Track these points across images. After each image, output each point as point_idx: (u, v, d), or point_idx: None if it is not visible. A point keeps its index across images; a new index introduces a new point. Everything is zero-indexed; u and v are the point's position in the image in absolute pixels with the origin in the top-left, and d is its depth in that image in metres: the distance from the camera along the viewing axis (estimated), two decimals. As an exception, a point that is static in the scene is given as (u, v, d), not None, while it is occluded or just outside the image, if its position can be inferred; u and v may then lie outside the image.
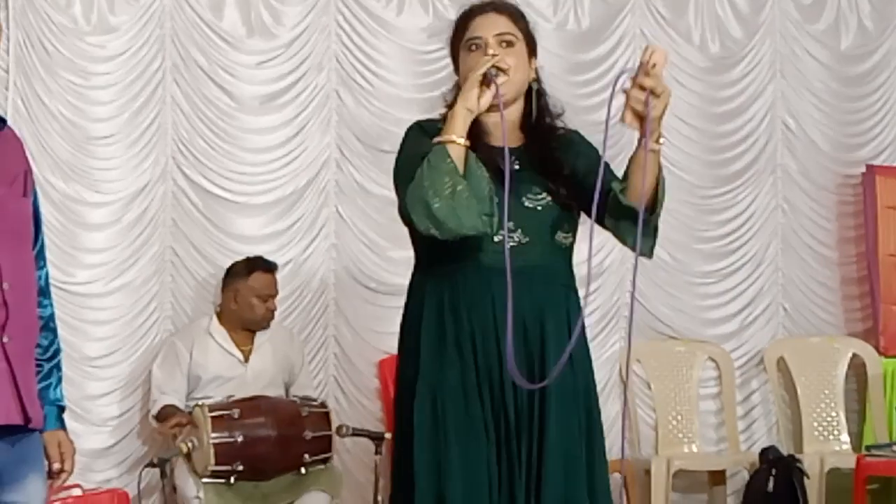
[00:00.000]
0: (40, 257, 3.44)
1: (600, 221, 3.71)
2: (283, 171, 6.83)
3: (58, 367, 3.48)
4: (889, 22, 7.63)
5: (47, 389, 3.40)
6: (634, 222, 3.56)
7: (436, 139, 3.66)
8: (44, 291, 3.42)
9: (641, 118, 3.49)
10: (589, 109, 6.87)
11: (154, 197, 6.61)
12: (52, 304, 3.46)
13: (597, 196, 3.48)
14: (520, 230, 3.75)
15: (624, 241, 3.77)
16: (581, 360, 3.80)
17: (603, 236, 6.76)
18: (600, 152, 3.65)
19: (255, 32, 6.76)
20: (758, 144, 7.48)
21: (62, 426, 3.47)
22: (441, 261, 3.79)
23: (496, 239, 3.70)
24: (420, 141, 3.80)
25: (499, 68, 3.68)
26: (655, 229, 3.80)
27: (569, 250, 3.86)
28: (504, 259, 3.62)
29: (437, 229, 3.59)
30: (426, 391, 3.78)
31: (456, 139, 3.61)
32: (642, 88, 3.44)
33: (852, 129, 7.62)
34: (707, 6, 7.40)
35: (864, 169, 7.51)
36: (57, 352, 3.48)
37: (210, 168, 6.71)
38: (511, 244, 3.70)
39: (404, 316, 3.97)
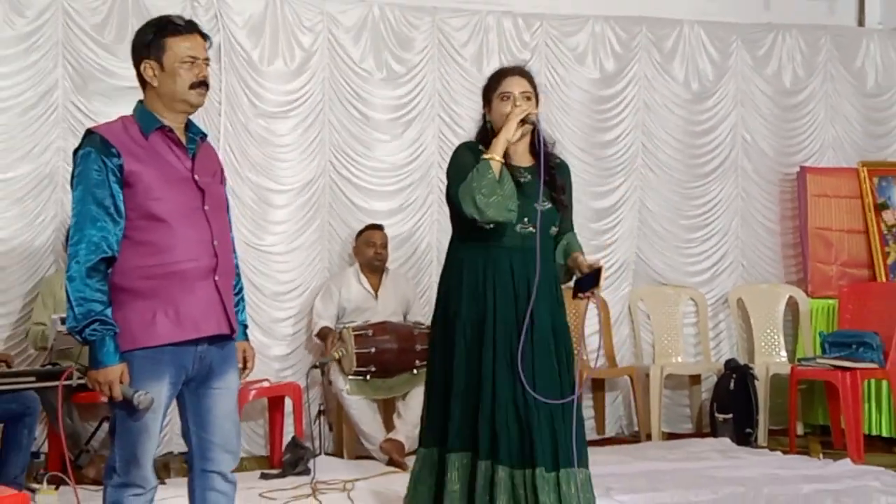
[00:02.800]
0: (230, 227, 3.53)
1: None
2: (402, 170, 6.89)
3: (242, 298, 3.54)
4: (814, 70, 7.64)
5: (237, 314, 3.46)
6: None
7: (483, 156, 3.86)
8: (232, 248, 3.49)
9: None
10: (605, 130, 7.28)
11: (317, 186, 6.71)
12: (237, 257, 3.53)
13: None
14: (529, 224, 3.94)
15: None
16: (558, 309, 4.02)
17: (613, 217, 7.08)
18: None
19: (387, 75, 6.82)
20: (724, 152, 7.52)
21: (246, 339, 3.57)
22: (475, 238, 3.95)
23: (516, 228, 3.92)
24: (466, 155, 4.00)
25: (530, 119, 3.90)
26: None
27: (555, 238, 4.04)
28: (517, 242, 3.92)
29: (478, 215, 3.80)
30: (466, 320, 3.96)
31: (497, 158, 3.83)
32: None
33: (790, 142, 7.65)
34: (689, 56, 7.42)
35: (798, 169, 7.54)
36: (241, 288, 3.54)
37: (353, 167, 6.78)
38: (525, 231, 3.94)
39: (446, 270, 4.14)
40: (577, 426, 3.88)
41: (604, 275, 3.91)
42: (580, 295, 3.93)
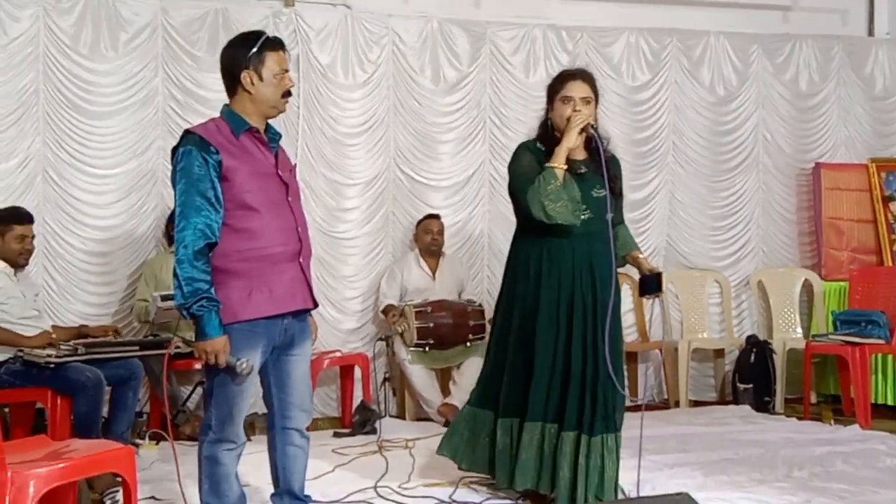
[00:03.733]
0: None
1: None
2: (457, 167, 6.91)
3: None
4: (828, 75, 7.57)
5: None
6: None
7: (547, 164, 3.82)
8: None
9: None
10: (640, 130, 7.24)
11: (382, 181, 6.75)
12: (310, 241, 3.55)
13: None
14: (588, 210, 3.90)
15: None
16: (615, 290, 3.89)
17: (646, 207, 7.07)
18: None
19: (443, 83, 6.85)
20: (746, 149, 7.46)
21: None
22: (538, 230, 3.91)
23: (578, 214, 3.87)
24: (526, 157, 3.95)
25: (590, 128, 3.87)
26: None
27: (610, 223, 3.92)
28: (579, 228, 3.86)
29: (547, 220, 3.80)
30: (535, 298, 3.92)
31: (560, 166, 3.81)
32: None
33: (806, 140, 7.58)
34: (715, 64, 7.38)
35: (813, 165, 7.48)
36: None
37: (414, 164, 6.82)
38: (586, 217, 3.89)
39: (512, 256, 4.10)
40: (620, 394, 3.88)
41: (665, 279, 3.92)
42: (647, 296, 3.97)
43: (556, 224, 3.83)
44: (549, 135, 3.94)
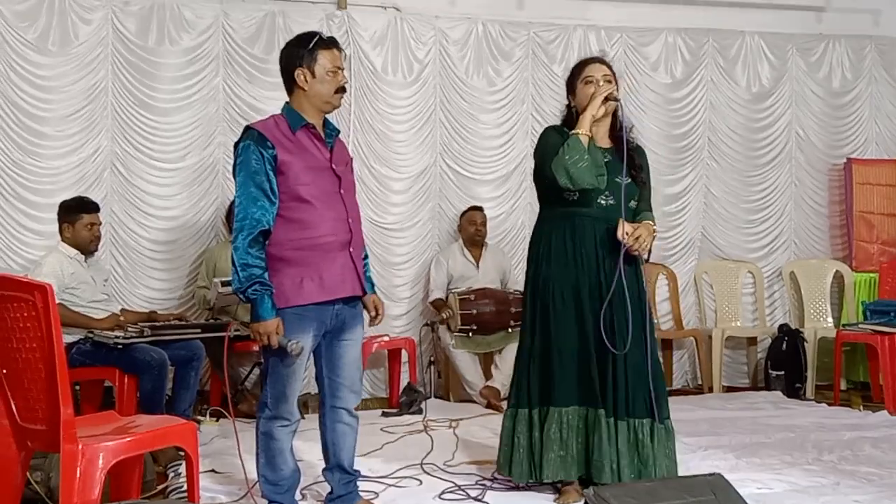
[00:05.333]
0: None
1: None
2: (500, 161, 6.90)
3: (367, 262, 3.60)
4: (860, 73, 7.47)
5: (365, 273, 3.56)
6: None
7: (572, 132, 3.70)
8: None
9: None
10: (676, 126, 7.17)
11: (429, 174, 6.76)
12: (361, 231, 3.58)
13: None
14: (612, 196, 3.79)
15: None
16: (636, 274, 3.81)
17: (682, 201, 7.02)
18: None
19: (487, 81, 6.82)
20: (780, 145, 7.38)
21: (374, 292, 3.64)
22: (562, 211, 3.81)
23: (599, 200, 3.78)
24: (553, 136, 3.83)
25: (614, 96, 3.76)
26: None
27: (634, 211, 3.84)
28: (601, 213, 3.76)
29: (571, 184, 3.66)
30: (558, 282, 3.80)
31: (584, 132, 3.69)
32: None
33: (838, 137, 7.48)
34: (750, 63, 7.30)
35: (845, 160, 7.39)
36: (366, 255, 3.61)
37: (459, 158, 6.82)
38: (608, 203, 3.80)
39: (535, 237, 3.94)
40: (659, 380, 3.79)
41: (625, 231, 3.69)
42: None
43: (577, 203, 3.74)
44: (573, 124, 3.82)
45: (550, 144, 3.78)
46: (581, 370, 3.75)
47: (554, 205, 3.84)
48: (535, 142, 6.63)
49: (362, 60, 6.62)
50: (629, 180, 3.80)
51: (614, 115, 3.86)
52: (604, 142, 3.88)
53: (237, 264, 3.25)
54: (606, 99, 3.73)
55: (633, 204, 3.84)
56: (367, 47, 6.63)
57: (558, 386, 3.77)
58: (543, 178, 3.81)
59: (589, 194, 3.76)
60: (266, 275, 3.27)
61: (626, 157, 3.72)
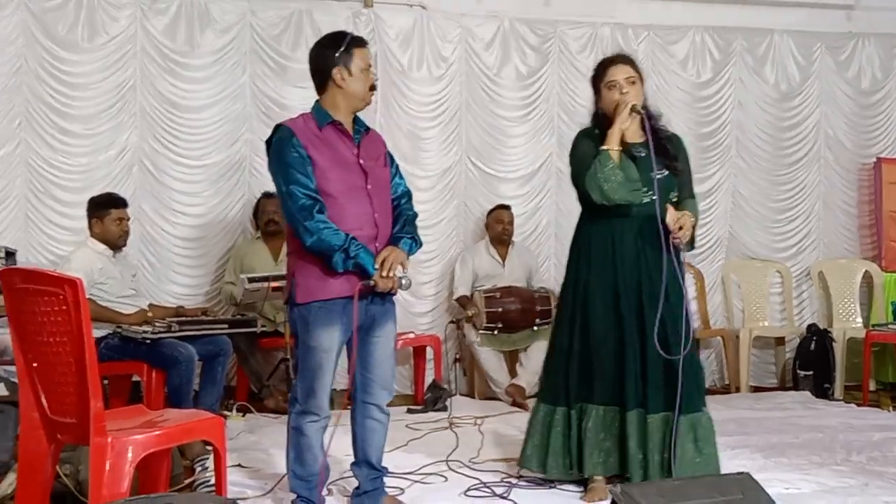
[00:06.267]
0: (406, 196, 3.64)
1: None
2: (524, 159, 6.86)
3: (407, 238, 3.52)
4: (890, 72, 7.41)
5: (402, 242, 3.47)
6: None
7: (602, 147, 3.69)
8: (407, 194, 3.65)
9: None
10: (704, 125, 7.13)
11: (454, 173, 6.76)
12: (412, 208, 3.62)
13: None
14: (649, 192, 3.73)
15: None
16: (676, 271, 3.73)
17: (710, 199, 7.00)
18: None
19: (514, 79, 6.80)
20: (808, 144, 7.32)
21: (407, 251, 3.48)
22: (602, 213, 3.78)
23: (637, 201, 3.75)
24: (585, 144, 3.81)
25: (637, 109, 3.72)
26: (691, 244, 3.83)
27: (676, 204, 3.79)
28: (639, 208, 3.72)
29: (606, 201, 3.68)
30: (599, 284, 3.79)
31: (614, 147, 3.69)
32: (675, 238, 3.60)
33: (867, 136, 7.42)
34: (779, 61, 7.25)
35: (874, 159, 7.34)
36: (408, 236, 3.54)
37: (485, 156, 6.80)
38: (646, 200, 3.75)
39: (576, 241, 3.94)
40: (695, 376, 3.76)
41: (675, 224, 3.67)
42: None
43: (618, 205, 3.72)
44: (601, 122, 3.83)
45: (582, 154, 3.79)
46: (619, 369, 3.74)
47: (594, 205, 3.79)
48: (559, 139, 6.85)
49: (388, 58, 6.62)
50: (664, 173, 3.76)
51: (643, 106, 3.82)
52: (635, 137, 3.82)
53: (326, 252, 3.28)
54: (632, 110, 3.72)
55: (672, 196, 3.81)
56: (394, 45, 6.64)
57: (597, 385, 3.78)
58: (578, 186, 3.82)
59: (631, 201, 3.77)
60: (343, 238, 3.29)
61: (664, 148, 3.74)
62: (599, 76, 3.84)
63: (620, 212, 3.75)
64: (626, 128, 3.74)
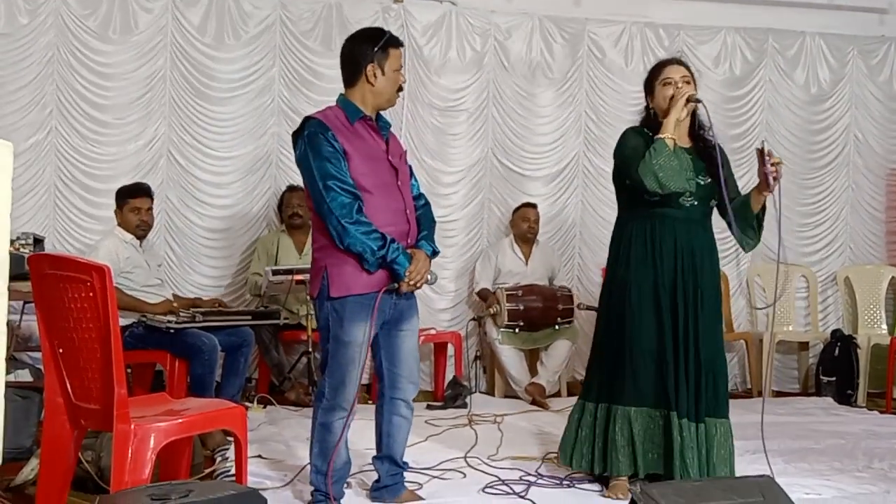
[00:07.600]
0: (422, 197, 3.66)
1: (723, 213, 3.82)
2: (551, 158, 6.88)
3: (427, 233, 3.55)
4: None
5: (426, 241, 3.51)
6: (746, 225, 3.83)
7: (657, 136, 3.69)
8: (423, 196, 3.65)
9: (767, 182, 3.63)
10: (733, 126, 7.05)
11: (479, 168, 6.77)
12: (432, 212, 3.65)
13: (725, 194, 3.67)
14: (693, 197, 3.76)
15: (732, 232, 3.85)
16: (716, 276, 3.83)
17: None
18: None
19: (543, 76, 6.80)
20: (837, 148, 7.30)
21: (431, 252, 3.50)
22: (642, 211, 3.79)
23: (681, 201, 3.75)
24: (635, 138, 3.83)
25: (695, 97, 3.75)
26: (760, 230, 3.93)
27: (713, 210, 3.88)
28: (681, 213, 3.74)
29: (661, 188, 3.66)
30: (636, 283, 3.79)
31: (670, 135, 3.69)
32: (773, 165, 3.60)
33: (896, 140, 7.39)
34: (810, 64, 7.21)
35: None
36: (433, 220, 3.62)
37: (510, 154, 6.80)
38: (689, 203, 3.76)
39: (615, 239, 3.94)
40: (724, 382, 3.79)
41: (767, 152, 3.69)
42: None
43: (659, 201, 3.72)
44: (652, 124, 3.84)
45: (633, 147, 3.79)
46: (657, 372, 3.74)
47: (635, 206, 3.82)
48: (586, 138, 6.84)
49: (417, 54, 6.63)
50: (707, 180, 3.79)
51: (693, 115, 3.86)
52: (683, 141, 3.86)
53: (359, 252, 3.28)
54: (688, 100, 3.74)
55: (713, 203, 3.85)
56: (422, 41, 6.65)
57: (629, 386, 3.77)
58: (626, 181, 3.80)
59: (672, 195, 3.74)
60: (381, 240, 3.30)
61: (710, 156, 3.76)
62: (654, 75, 3.89)
63: (659, 209, 3.77)
64: (682, 119, 3.76)
